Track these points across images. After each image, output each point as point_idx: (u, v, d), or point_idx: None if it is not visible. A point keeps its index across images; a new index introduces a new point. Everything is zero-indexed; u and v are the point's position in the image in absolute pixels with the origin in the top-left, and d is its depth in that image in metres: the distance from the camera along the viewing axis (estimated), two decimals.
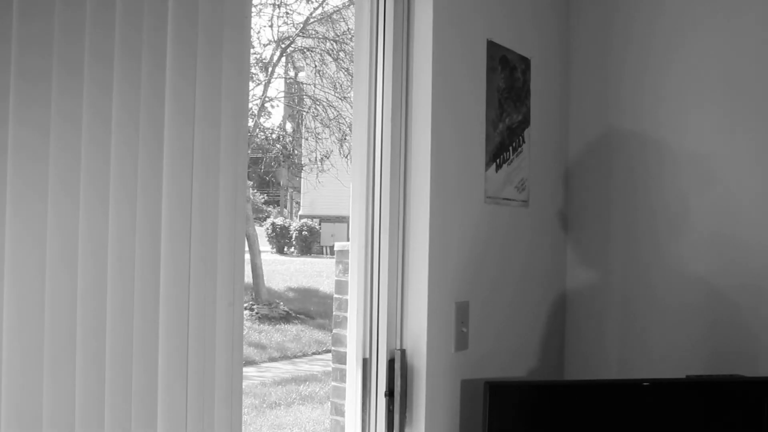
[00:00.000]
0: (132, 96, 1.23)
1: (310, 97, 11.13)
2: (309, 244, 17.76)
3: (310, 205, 18.81)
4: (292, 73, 11.84)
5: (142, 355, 1.24)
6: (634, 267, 2.36)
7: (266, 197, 21.22)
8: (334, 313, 2.94)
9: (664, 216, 2.29)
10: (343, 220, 17.21)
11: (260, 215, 19.12)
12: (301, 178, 14.10)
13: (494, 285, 1.99)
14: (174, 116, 1.29)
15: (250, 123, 10.60)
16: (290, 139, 11.99)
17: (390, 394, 1.71)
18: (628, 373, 2.32)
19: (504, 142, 2.01)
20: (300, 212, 19.70)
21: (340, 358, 2.69)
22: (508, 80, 2.06)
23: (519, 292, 2.13)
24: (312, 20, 10.61)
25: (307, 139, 11.60)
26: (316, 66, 10.74)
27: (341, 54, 10.44)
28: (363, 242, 1.75)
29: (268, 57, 10.73)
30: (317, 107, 10.85)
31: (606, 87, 2.43)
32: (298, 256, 17.21)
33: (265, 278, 10.76)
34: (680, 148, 2.27)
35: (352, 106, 3.60)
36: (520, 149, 2.09)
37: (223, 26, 1.36)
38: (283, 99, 12.13)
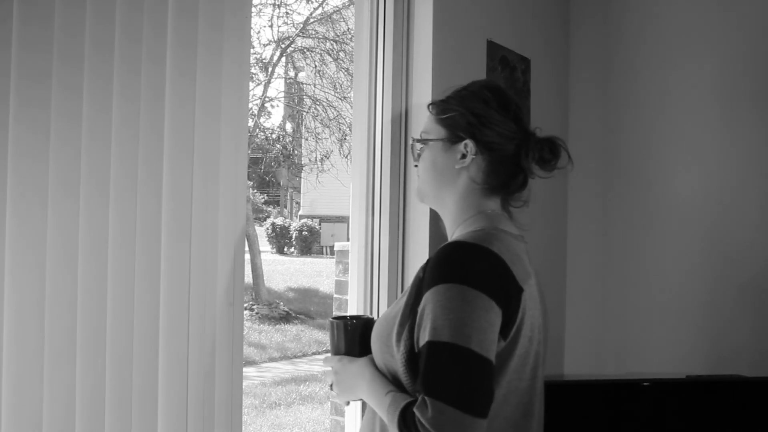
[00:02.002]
0: (132, 96, 1.23)
1: (310, 97, 11.12)
2: (309, 244, 17.74)
3: (310, 205, 18.79)
4: (292, 73, 11.83)
5: (142, 356, 1.24)
6: (634, 267, 2.36)
7: (266, 197, 21.21)
8: (334, 313, 2.94)
9: (664, 216, 2.29)
10: (343, 220, 17.20)
11: (260, 215, 19.11)
12: (301, 178, 14.08)
13: None
14: (174, 116, 1.28)
15: (250, 123, 10.59)
16: (290, 139, 11.97)
17: None
18: (628, 373, 2.32)
19: None
20: (300, 212, 19.68)
21: None
22: (508, 80, 2.06)
23: None
24: (312, 20, 10.59)
25: (307, 139, 11.58)
26: (316, 66, 10.72)
27: (341, 54, 10.42)
28: (363, 242, 1.75)
29: (268, 57, 10.73)
30: (317, 107, 10.84)
31: (606, 87, 2.43)
32: (298, 256, 17.19)
33: (265, 278, 10.75)
34: (680, 148, 2.27)
35: (352, 106, 3.60)
36: None
37: (223, 26, 1.36)
38: (283, 99, 12.11)
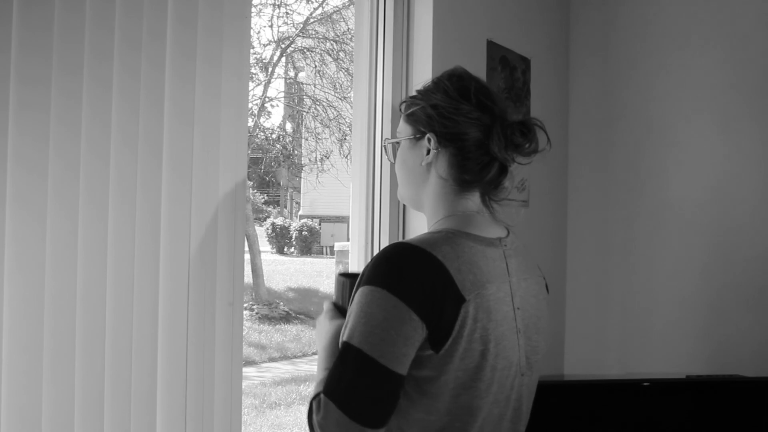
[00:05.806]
0: (132, 96, 1.23)
1: (310, 97, 11.12)
2: (309, 244, 17.73)
3: (310, 205, 18.79)
4: (292, 73, 11.83)
5: (142, 355, 1.24)
6: (634, 267, 2.36)
7: (266, 197, 21.20)
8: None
9: (663, 215, 2.29)
10: (343, 220, 17.20)
11: (260, 215, 19.11)
12: (301, 178, 14.08)
13: None
14: (174, 116, 1.28)
15: (250, 123, 10.59)
16: (290, 139, 11.97)
17: None
18: (628, 373, 2.32)
19: None
20: (300, 212, 19.68)
21: None
22: (508, 80, 2.06)
23: None
24: (312, 20, 10.60)
25: (307, 139, 11.58)
26: (316, 66, 10.72)
27: (341, 54, 10.43)
28: (363, 242, 1.75)
29: (268, 57, 10.73)
30: (317, 107, 10.84)
31: (606, 87, 2.43)
32: (298, 256, 17.19)
33: (265, 278, 10.75)
34: (679, 147, 2.27)
35: (352, 106, 3.60)
36: None
37: (223, 26, 1.36)
38: (283, 99, 12.11)
